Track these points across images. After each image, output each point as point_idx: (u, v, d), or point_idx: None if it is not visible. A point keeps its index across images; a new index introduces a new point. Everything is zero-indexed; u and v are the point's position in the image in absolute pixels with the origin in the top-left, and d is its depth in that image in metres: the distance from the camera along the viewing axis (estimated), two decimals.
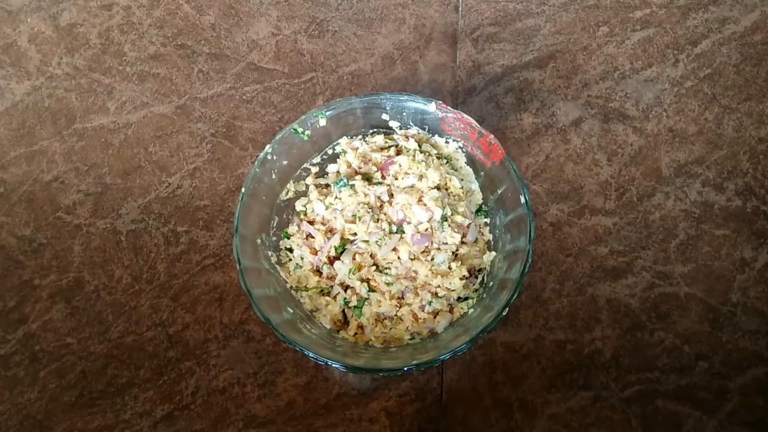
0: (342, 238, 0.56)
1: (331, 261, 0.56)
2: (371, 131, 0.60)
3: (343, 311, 0.57)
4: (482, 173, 0.59)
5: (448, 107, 0.55)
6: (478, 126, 0.54)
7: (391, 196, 0.57)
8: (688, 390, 0.58)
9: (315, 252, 0.57)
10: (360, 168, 0.59)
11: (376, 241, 0.55)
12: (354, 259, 0.56)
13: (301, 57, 0.68)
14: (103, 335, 0.61)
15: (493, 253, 0.57)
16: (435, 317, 0.55)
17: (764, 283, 0.61)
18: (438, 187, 0.57)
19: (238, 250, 0.51)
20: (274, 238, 0.58)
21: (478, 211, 0.59)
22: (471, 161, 0.59)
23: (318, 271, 0.57)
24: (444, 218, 0.55)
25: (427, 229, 0.55)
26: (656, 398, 0.58)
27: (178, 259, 0.63)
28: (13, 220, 0.64)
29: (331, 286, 0.56)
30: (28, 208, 0.64)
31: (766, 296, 0.60)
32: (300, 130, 0.56)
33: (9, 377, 0.60)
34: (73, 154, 0.66)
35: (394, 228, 0.56)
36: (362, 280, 0.55)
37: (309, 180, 0.60)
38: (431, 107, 0.55)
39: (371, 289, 0.55)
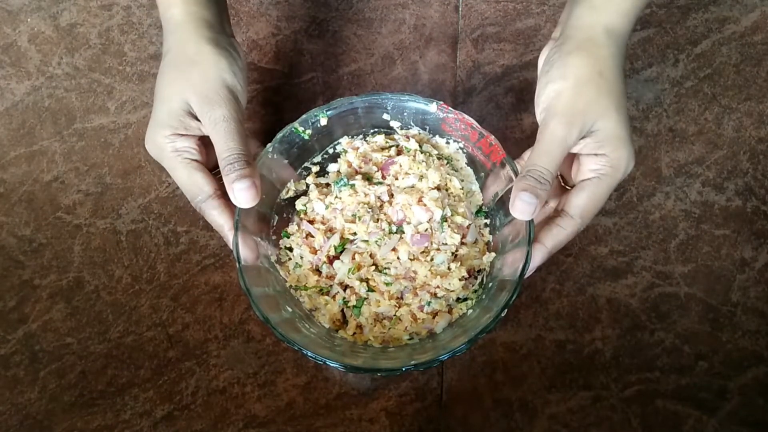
0: (342, 238, 0.56)
1: (331, 260, 0.56)
2: (372, 131, 0.60)
3: (342, 311, 0.57)
4: (483, 174, 0.59)
5: (449, 108, 0.55)
6: (479, 127, 0.54)
7: (391, 196, 0.57)
8: (688, 390, 0.58)
9: (314, 251, 0.57)
10: (360, 168, 0.59)
11: (376, 241, 0.55)
12: (353, 258, 0.56)
13: (301, 57, 0.68)
14: (103, 335, 0.61)
15: (493, 254, 0.57)
16: (434, 318, 0.55)
17: (764, 283, 0.61)
18: (438, 188, 0.57)
19: (238, 249, 0.51)
20: (274, 237, 0.58)
21: (478, 212, 0.59)
22: (471, 162, 0.59)
23: (317, 271, 0.57)
24: (444, 219, 0.55)
25: (426, 230, 0.55)
26: (656, 398, 0.58)
27: (178, 259, 0.63)
28: (13, 220, 0.64)
29: (331, 286, 0.56)
30: (28, 208, 0.64)
31: (766, 296, 0.60)
32: (301, 129, 0.56)
33: (9, 377, 0.60)
34: (73, 154, 0.66)
35: (394, 228, 0.56)
36: (361, 280, 0.55)
37: (309, 179, 0.60)
38: (432, 108, 0.55)
39: (370, 289, 0.55)
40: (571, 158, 0.52)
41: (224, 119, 0.48)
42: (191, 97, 0.49)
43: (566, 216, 0.49)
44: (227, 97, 0.49)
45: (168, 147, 0.49)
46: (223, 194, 0.51)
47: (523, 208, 0.47)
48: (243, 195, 0.48)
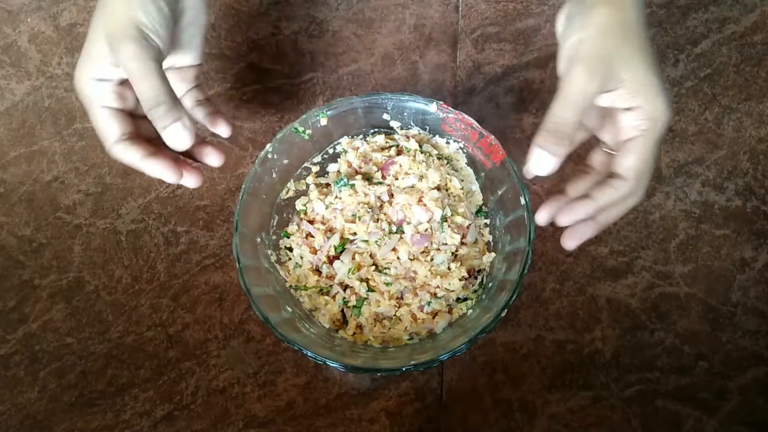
0: (342, 238, 0.56)
1: (331, 260, 0.56)
2: (372, 131, 0.60)
3: (342, 311, 0.57)
4: (483, 174, 0.59)
5: (450, 108, 0.55)
6: (479, 127, 0.54)
7: (391, 196, 0.57)
8: (688, 390, 0.58)
9: (314, 251, 0.57)
10: (360, 168, 0.59)
11: (376, 241, 0.55)
12: (353, 258, 0.56)
13: (301, 57, 0.68)
14: (103, 335, 0.61)
15: (493, 254, 0.57)
16: (434, 318, 0.55)
17: (764, 283, 0.61)
18: (438, 188, 0.57)
19: (238, 249, 0.51)
20: (274, 237, 0.58)
21: (478, 212, 0.59)
22: (471, 162, 0.59)
23: (317, 271, 0.57)
24: (444, 219, 0.55)
25: (426, 230, 0.55)
26: (656, 398, 0.58)
27: (178, 259, 0.63)
28: (13, 220, 0.64)
29: (331, 286, 0.56)
30: (28, 208, 0.64)
31: (766, 296, 0.60)
32: (301, 129, 0.56)
33: (9, 377, 0.60)
34: (73, 154, 0.66)
35: (394, 228, 0.56)
36: (361, 280, 0.55)
37: (309, 179, 0.60)
38: (432, 108, 0.55)
39: (370, 289, 0.55)
40: (610, 120, 0.49)
41: (134, 58, 0.46)
42: (102, 36, 0.47)
43: (619, 178, 0.46)
44: (136, 36, 0.46)
45: (86, 89, 0.48)
46: (137, 135, 0.50)
47: (541, 163, 0.45)
48: (176, 137, 0.47)
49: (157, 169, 0.49)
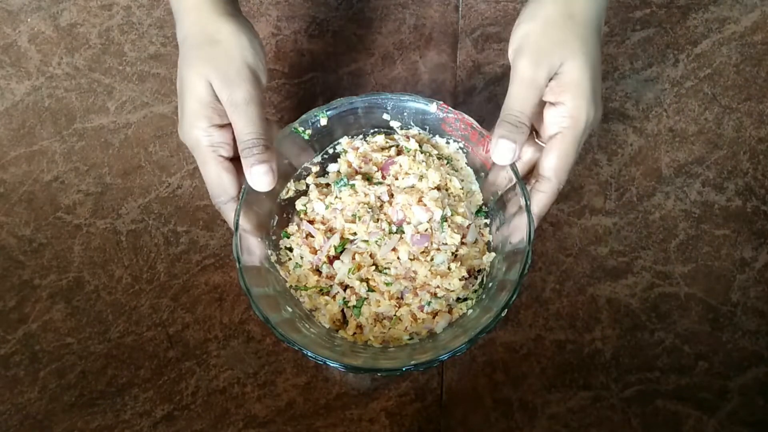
0: (342, 238, 0.56)
1: (331, 260, 0.56)
2: (372, 131, 0.60)
3: (342, 311, 0.57)
4: (483, 174, 0.59)
5: (449, 108, 0.55)
6: (479, 127, 0.54)
7: (391, 196, 0.57)
8: (688, 390, 0.58)
9: (314, 251, 0.57)
10: (360, 168, 0.59)
11: (376, 241, 0.55)
12: (353, 258, 0.56)
13: (301, 57, 0.68)
14: (103, 335, 0.61)
15: (493, 254, 0.57)
16: (434, 318, 0.55)
17: (764, 283, 0.61)
18: (438, 188, 0.57)
19: (238, 249, 0.51)
20: (274, 237, 0.58)
21: (478, 211, 0.59)
22: (471, 162, 0.59)
23: (317, 271, 0.57)
24: (444, 219, 0.55)
25: (426, 230, 0.55)
26: (656, 398, 0.58)
27: (178, 259, 0.63)
28: (13, 220, 0.64)
29: (331, 286, 0.56)
30: (28, 208, 0.64)
31: (766, 296, 0.60)
32: (301, 129, 0.56)
33: (9, 377, 0.60)
34: (73, 154, 0.66)
35: (394, 228, 0.56)
36: (361, 280, 0.55)
37: (309, 179, 0.60)
38: (432, 107, 0.55)
39: (370, 289, 0.55)
40: (542, 110, 0.51)
41: (245, 102, 0.47)
42: (213, 78, 0.48)
43: (543, 179, 0.50)
44: (249, 77, 0.48)
45: (204, 140, 0.48)
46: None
47: (502, 153, 0.49)
48: (260, 179, 0.49)
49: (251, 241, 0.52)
